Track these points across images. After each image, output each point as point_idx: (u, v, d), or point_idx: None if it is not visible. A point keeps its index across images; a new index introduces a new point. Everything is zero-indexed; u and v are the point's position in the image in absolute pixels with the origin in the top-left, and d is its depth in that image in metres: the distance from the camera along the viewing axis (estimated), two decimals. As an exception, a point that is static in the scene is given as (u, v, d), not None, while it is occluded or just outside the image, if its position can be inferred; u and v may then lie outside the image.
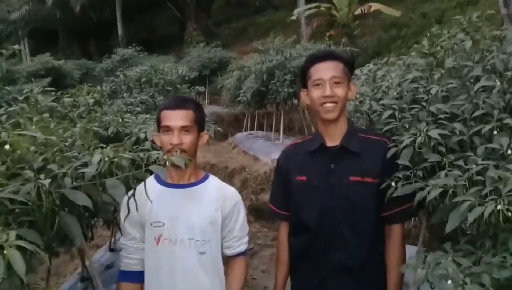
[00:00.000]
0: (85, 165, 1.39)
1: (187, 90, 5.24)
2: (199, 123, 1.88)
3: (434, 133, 1.53)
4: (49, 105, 2.04)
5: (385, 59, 2.62)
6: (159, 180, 1.87)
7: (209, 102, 12.08)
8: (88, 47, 22.76)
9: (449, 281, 1.32)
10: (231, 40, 18.20)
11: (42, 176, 1.19)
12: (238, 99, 7.80)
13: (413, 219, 3.35)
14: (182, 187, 1.87)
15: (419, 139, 1.56)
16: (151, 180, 1.83)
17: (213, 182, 1.94)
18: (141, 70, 4.95)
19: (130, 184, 1.43)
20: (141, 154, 1.43)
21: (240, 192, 2.06)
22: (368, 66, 2.76)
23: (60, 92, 2.85)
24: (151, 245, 1.83)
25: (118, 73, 5.03)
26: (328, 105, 1.81)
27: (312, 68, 1.86)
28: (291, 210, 1.96)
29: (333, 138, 1.87)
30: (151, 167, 1.44)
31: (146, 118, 2.60)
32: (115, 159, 1.38)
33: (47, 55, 12.42)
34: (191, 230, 1.82)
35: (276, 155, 2.33)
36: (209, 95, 12.30)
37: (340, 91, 1.81)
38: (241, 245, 1.95)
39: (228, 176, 6.52)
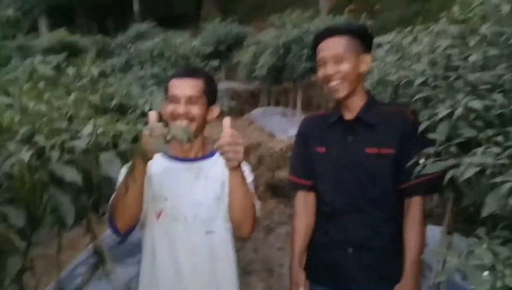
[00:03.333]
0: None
1: (201, 64, 5.09)
2: (209, 95, 1.72)
3: (476, 104, 1.35)
4: (48, 75, 1.92)
5: (409, 28, 2.42)
6: None
7: (225, 77, 11.88)
8: (105, 23, 22.65)
9: (486, 273, 1.17)
10: (249, 15, 17.83)
11: (26, 148, 1.06)
12: (254, 74, 7.60)
13: (436, 197, 3.14)
14: (188, 161, 1.73)
15: (458, 111, 1.38)
16: None
17: (221, 157, 1.78)
18: (153, 44, 4.79)
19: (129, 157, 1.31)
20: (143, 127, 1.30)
21: (256, 169, 1.91)
22: (390, 34, 2.56)
23: (66, 64, 2.73)
24: (151, 220, 1.67)
25: (128, 47, 4.89)
26: (333, 83, 1.73)
27: (317, 48, 1.81)
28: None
29: (351, 111, 1.79)
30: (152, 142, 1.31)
31: (153, 90, 2.46)
32: (113, 132, 1.26)
33: (62, 30, 12.33)
34: (196, 207, 1.66)
35: (293, 131, 2.19)
36: (225, 70, 12.10)
37: (344, 67, 1.70)
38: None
39: (243, 153, 6.39)
